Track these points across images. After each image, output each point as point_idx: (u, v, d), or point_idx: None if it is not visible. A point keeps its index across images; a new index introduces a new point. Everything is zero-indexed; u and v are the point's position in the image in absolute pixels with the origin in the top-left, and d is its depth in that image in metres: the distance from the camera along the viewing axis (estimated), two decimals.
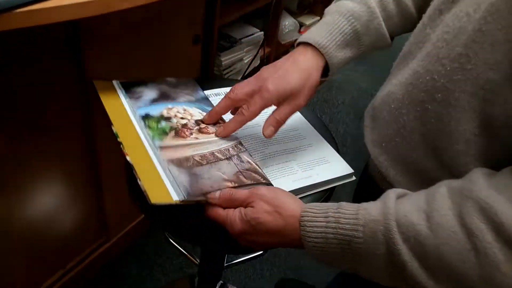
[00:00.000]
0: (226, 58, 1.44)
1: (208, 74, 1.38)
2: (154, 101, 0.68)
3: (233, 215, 0.52)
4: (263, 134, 0.60)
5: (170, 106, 0.67)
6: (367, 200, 0.76)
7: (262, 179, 0.58)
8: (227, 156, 0.60)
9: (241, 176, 0.57)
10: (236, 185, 0.55)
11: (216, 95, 0.79)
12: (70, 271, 1.17)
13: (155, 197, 0.50)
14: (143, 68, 1.03)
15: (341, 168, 0.66)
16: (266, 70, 0.61)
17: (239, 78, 1.59)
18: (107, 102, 0.64)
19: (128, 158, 0.55)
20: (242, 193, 0.53)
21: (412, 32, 0.61)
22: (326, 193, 0.64)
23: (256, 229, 0.50)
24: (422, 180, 0.57)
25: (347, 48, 0.64)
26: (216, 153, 0.60)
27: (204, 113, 0.68)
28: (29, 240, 1.00)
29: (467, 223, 0.40)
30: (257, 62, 1.66)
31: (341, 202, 0.49)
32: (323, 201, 0.63)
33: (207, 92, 0.77)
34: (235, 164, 0.59)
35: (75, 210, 1.10)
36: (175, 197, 0.51)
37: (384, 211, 0.45)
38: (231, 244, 0.53)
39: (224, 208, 0.54)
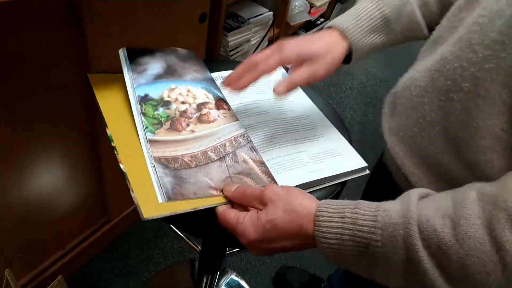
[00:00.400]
0: (233, 39, 1.39)
1: (214, 55, 1.34)
2: (158, 77, 0.64)
3: (244, 223, 0.48)
4: (273, 91, 0.57)
5: (173, 85, 0.64)
6: (379, 192, 0.72)
7: (254, 185, 0.54)
8: (221, 156, 0.56)
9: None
10: (221, 194, 0.52)
11: (223, 78, 0.75)
12: (69, 252, 1.15)
13: (147, 211, 0.47)
14: (146, 46, 0.98)
15: (354, 161, 0.63)
16: (287, 39, 0.60)
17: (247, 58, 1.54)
18: (103, 99, 0.60)
19: (121, 166, 0.52)
20: (254, 189, 0.50)
21: (445, 16, 0.56)
22: (338, 187, 0.61)
23: (271, 234, 0.47)
24: (439, 174, 0.54)
25: (374, 34, 0.61)
26: (209, 152, 0.56)
27: (210, 95, 0.65)
28: (28, 220, 0.97)
29: (497, 235, 0.37)
30: (265, 44, 1.61)
31: (359, 201, 0.45)
32: (334, 196, 0.60)
33: (213, 75, 0.73)
34: (226, 166, 0.56)
35: (75, 191, 1.07)
36: (159, 198, 0.49)
37: (405, 214, 0.41)
38: (234, 239, 0.49)
39: (234, 208, 0.51)
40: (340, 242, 0.43)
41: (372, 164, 0.72)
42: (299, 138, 0.65)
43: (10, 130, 0.81)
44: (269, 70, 0.56)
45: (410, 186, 0.58)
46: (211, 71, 0.73)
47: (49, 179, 0.98)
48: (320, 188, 0.59)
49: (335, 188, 0.60)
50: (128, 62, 0.64)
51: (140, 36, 0.96)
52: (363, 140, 2.09)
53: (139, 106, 0.59)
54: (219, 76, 0.74)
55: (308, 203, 0.47)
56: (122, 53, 0.65)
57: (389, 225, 0.41)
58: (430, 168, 0.55)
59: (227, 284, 1.33)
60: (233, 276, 1.37)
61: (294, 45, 0.57)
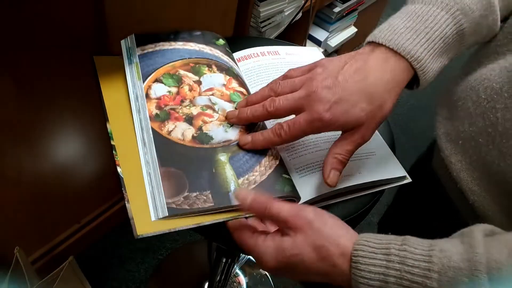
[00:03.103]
0: (265, 9, 1.28)
1: (244, 26, 1.24)
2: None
3: (265, 247, 0.40)
4: (325, 182, 0.45)
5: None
6: (420, 200, 0.63)
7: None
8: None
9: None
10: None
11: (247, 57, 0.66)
12: (84, 226, 1.13)
13: (142, 229, 0.41)
14: (169, 12, 0.90)
15: (393, 169, 0.54)
16: (325, 75, 0.44)
17: (278, 31, 1.44)
18: (107, 88, 0.53)
19: (119, 169, 0.45)
20: (282, 210, 0.40)
21: None
22: (375, 196, 0.52)
23: (296, 268, 0.39)
24: (505, 194, 0.46)
25: (444, 56, 0.46)
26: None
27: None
28: (41, 193, 0.94)
29: None
30: (298, 15, 1.49)
31: (407, 236, 0.37)
32: (370, 206, 0.52)
33: (239, 54, 0.65)
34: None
35: (91, 166, 1.03)
36: (152, 216, 0.42)
37: (471, 257, 0.33)
38: None
39: (251, 221, 0.44)
40: (384, 285, 0.36)
41: (403, 152, 0.62)
42: (332, 135, 0.56)
43: (23, 101, 0.77)
44: (292, 141, 0.47)
45: (467, 204, 0.50)
46: (236, 49, 0.65)
47: (64, 152, 0.94)
48: (356, 197, 0.51)
49: (371, 198, 0.52)
50: (129, 53, 0.57)
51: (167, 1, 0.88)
52: (395, 121, 1.97)
53: (137, 102, 0.52)
54: (242, 56, 0.66)
55: (345, 241, 0.38)
56: (124, 44, 0.58)
57: (449, 269, 0.33)
58: (495, 186, 0.47)
59: (242, 269, 1.29)
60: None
61: (329, 117, 0.42)
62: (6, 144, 0.79)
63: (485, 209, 0.49)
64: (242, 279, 1.28)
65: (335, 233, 0.39)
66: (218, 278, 1.01)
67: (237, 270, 1.28)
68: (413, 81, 0.46)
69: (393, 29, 0.44)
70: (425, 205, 0.65)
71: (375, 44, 0.45)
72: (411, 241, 0.36)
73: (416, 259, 0.35)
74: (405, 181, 0.54)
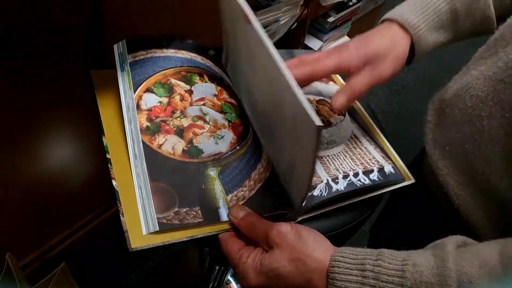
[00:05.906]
0: (261, 18, 1.30)
1: None
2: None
3: (247, 264, 0.41)
4: (332, 105, 0.49)
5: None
6: (410, 203, 0.64)
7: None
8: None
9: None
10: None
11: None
12: (77, 231, 1.12)
13: (136, 242, 0.41)
14: (162, 21, 0.90)
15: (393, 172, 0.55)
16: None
17: (274, 39, 1.45)
18: (103, 103, 0.53)
19: (114, 183, 0.45)
20: (263, 224, 0.43)
21: None
22: (373, 203, 0.53)
23: (274, 284, 0.40)
24: (491, 199, 0.47)
25: (440, 31, 0.53)
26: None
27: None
28: (34, 197, 0.94)
29: None
30: (294, 24, 1.51)
31: (382, 250, 0.38)
32: (369, 214, 0.53)
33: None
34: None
35: (84, 172, 1.03)
36: (143, 230, 0.42)
37: (441, 272, 0.34)
38: None
39: (240, 237, 0.45)
40: None
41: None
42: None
43: (18, 105, 0.76)
44: (322, 72, 0.49)
45: (453, 208, 0.51)
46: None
47: (57, 158, 0.93)
48: (352, 206, 0.52)
49: (366, 208, 0.53)
50: (121, 59, 0.56)
51: (157, 7, 0.88)
52: (386, 130, 1.99)
53: (129, 113, 0.51)
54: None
55: (321, 254, 0.40)
56: (116, 50, 0.57)
57: (421, 284, 0.34)
58: (480, 191, 0.48)
59: (233, 276, 1.29)
60: None
61: (353, 46, 0.50)
62: None
63: (469, 213, 0.50)
64: (234, 286, 1.28)
65: (310, 246, 0.40)
66: (210, 285, 1.01)
67: (229, 277, 1.28)
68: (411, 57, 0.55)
69: (396, 9, 0.54)
70: (416, 212, 0.67)
71: (382, 21, 0.55)
72: (385, 255, 0.37)
73: (390, 275, 0.36)
74: (405, 183, 0.55)
